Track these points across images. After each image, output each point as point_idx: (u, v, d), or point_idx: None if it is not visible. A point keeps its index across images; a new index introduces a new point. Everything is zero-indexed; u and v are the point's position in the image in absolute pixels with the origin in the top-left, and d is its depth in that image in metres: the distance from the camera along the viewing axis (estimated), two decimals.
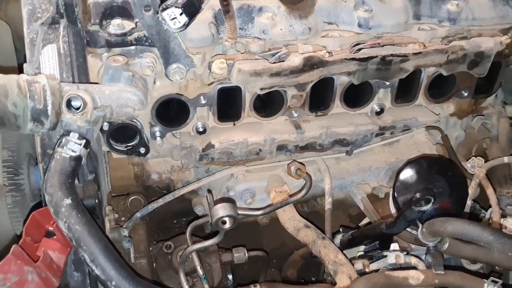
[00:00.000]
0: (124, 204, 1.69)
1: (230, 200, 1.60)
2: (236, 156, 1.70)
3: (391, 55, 1.55)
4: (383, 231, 1.42)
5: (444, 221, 1.23)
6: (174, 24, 1.14)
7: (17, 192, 1.84)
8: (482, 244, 1.15)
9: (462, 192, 1.48)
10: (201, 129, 1.65)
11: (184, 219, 1.92)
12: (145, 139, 1.62)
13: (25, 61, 1.37)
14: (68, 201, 1.16)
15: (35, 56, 1.35)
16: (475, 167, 1.79)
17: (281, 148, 1.72)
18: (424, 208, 1.28)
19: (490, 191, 1.68)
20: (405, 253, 1.39)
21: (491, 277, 1.22)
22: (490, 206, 1.68)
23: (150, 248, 1.67)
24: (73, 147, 1.22)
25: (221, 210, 1.26)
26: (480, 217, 1.70)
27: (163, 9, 1.13)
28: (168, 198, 1.67)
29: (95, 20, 1.41)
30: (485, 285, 1.22)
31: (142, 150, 1.63)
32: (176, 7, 1.11)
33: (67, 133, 1.23)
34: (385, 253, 1.40)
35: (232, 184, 1.77)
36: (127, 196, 1.72)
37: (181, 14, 1.12)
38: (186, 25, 1.16)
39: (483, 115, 2.04)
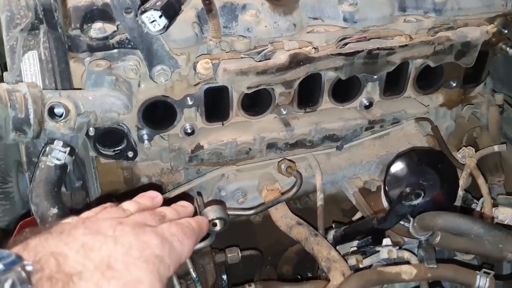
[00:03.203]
0: None
1: (220, 202, 1.59)
2: (226, 156, 1.69)
3: (378, 48, 1.54)
4: (375, 226, 1.42)
5: (434, 215, 1.22)
6: (154, 27, 1.12)
7: (6, 200, 1.81)
8: (473, 236, 1.14)
9: (453, 183, 1.48)
10: (189, 131, 1.63)
11: None
12: (133, 143, 1.60)
13: (5, 69, 1.35)
14: (54, 210, 1.15)
15: (16, 63, 1.32)
16: (466, 157, 1.79)
17: (271, 146, 1.71)
18: (415, 202, 1.28)
19: (481, 181, 1.68)
20: (398, 247, 1.39)
21: (483, 269, 1.22)
22: (481, 196, 1.68)
23: None
24: (57, 155, 1.20)
25: (211, 213, 1.24)
26: (472, 207, 1.69)
27: (142, 12, 1.11)
28: None
29: (76, 24, 1.38)
30: (478, 277, 1.22)
31: (130, 154, 1.61)
32: (155, 9, 1.09)
33: (51, 141, 1.22)
34: (377, 248, 1.40)
35: (224, 184, 1.76)
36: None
37: (160, 16, 1.10)
38: (166, 28, 1.14)
39: (473, 104, 2.04)
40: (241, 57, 1.49)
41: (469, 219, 1.16)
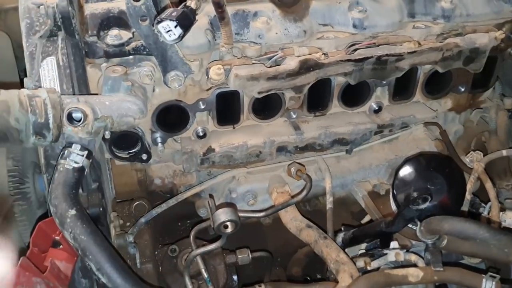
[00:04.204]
0: (129, 210, 1.72)
1: (231, 205, 1.62)
2: (237, 159, 1.73)
3: (387, 54, 1.57)
4: (383, 229, 1.45)
5: (441, 219, 1.25)
6: (169, 36, 1.16)
7: (24, 200, 1.87)
8: (479, 241, 1.17)
9: (460, 188, 1.49)
10: (201, 134, 1.67)
11: (188, 221, 1.94)
12: (147, 146, 1.64)
13: (25, 73, 1.40)
14: (72, 212, 1.19)
15: (35, 69, 1.37)
16: (474, 161, 1.81)
17: (281, 149, 1.75)
18: (422, 206, 1.31)
19: (488, 185, 1.70)
20: (405, 250, 1.41)
21: (489, 273, 1.24)
22: (489, 200, 1.70)
23: (156, 252, 1.69)
24: (75, 158, 1.24)
25: (223, 215, 1.29)
26: (479, 211, 1.71)
27: (158, 22, 1.15)
28: (172, 202, 1.70)
29: (93, 31, 1.43)
30: (484, 280, 1.24)
31: (144, 156, 1.65)
32: (170, 20, 1.14)
33: (69, 144, 1.25)
34: (385, 251, 1.42)
35: (234, 186, 1.80)
36: (131, 201, 1.74)
37: (176, 26, 1.14)
38: (181, 37, 1.18)
39: (481, 109, 2.05)
40: (252, 63, 1.53)
41: (475, 224, 1.19)
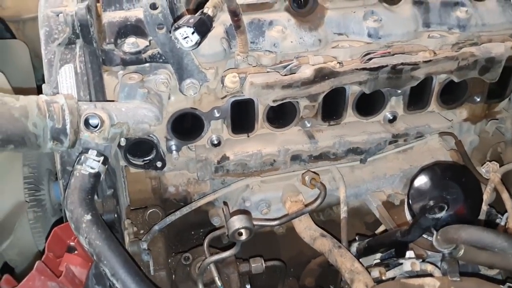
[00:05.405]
0: (143, 217, 1.72)
1: (245, 212, 1.62)
2: (251, 167, 1.73)
3: (402, 63, 1.56)
4: (398, 239, 1.43)
5: (458, 228, 1.23)
6: (186, 42, 1.18)
7: (39, 207, 1.89)
8: (497, 250, 1.15)
9: (476, 198, 1.48)
10: (215, 142, 1.68)
11: (201, 230, 1.94)
12: (162, 153, 1.65)
13: (43, 81, 1.42)
14: (88, 217, 1.19)
15: (53, 76, 1.38)
16: (490, 172, 1.79)
17: (295, 158, 1.74)
18: (438, 215, 1.29)
19: (505, 196, 1.68)
20: (421, 260, 1.40)
21: (507, 283, 1.22)
22: (506, 211, 1.68)
23: (169, 260, 1.69)
24: (91, 164, 1.25)
25: (237, 222, 1.28)
26: (496, 222, 1.69)
27: (176, 29, 1.17)
28: (185, 210, 1.70)
29: (110, 39, 1.45)
30: None
31: (159, 164, 1.66)
32: (188, 26, 1.15)
33: (85, 150, 1.26)
34: (401, 260, 1.41)
35: (248, 194, 1.79)
36: (145, 209, 1.75)
37: (193, 33, 1.16)
38: (198, 44, 1.19)
39: (497, 119, 2.04)
40: (267, 71, 1.54)
41: (493, 233, 1.17)
